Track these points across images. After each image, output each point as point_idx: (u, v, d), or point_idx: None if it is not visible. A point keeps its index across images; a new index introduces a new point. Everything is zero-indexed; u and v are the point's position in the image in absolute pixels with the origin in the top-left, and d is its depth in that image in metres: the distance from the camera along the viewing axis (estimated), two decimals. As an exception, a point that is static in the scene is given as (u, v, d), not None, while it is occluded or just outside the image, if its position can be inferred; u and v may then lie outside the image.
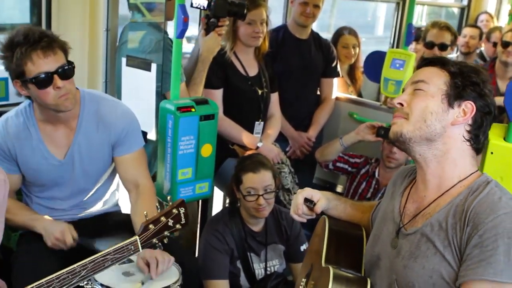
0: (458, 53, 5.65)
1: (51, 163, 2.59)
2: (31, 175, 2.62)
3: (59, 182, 2.65)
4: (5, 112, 2.66)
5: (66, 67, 2.39)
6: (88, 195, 2.74)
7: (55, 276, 1.84)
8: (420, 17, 7.63)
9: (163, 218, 2.05)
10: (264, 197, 2.88)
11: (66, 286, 1.86)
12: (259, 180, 2.87)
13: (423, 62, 1.90)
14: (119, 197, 2.95)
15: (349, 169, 3.79)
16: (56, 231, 2.50)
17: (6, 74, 3.12)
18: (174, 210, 2.07)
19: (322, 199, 2.15)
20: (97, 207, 2.80)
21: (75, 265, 1.88)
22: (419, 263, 1.74)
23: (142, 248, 2.01)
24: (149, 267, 2.35)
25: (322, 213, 2.20)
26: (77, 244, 2.53)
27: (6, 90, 3.09)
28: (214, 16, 3.01)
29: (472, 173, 1.81)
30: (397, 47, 5.17)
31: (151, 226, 2.03)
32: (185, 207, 2.10)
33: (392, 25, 5.42)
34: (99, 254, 1.93)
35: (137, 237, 2.00)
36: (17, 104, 2.72)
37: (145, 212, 2.07)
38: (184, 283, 2.43)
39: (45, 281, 1.83)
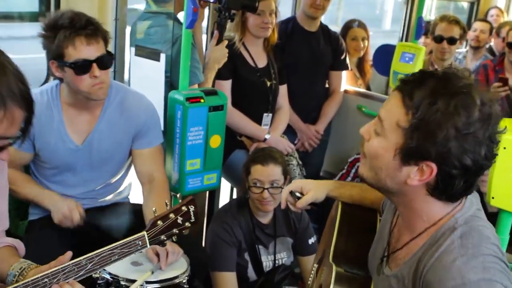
0: (468, 47, 5.62)
1: (68, 147, 2.58)
2: (46, 156, 2.60)
3: (73, 168, 2.63)
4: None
5: (105, 57, 2.40)
6: (101, 186, 2.73)
7: (61, 268, 1.80)
8: (429, 11, 7.58)
9: (172, 215, 2.01)
10: (269, 191, 2.86)
11: (72, 278, 1.82)
12: (266, 173, 2.86)
13: (397, 84, 1.54)
14: (130, 186, 2.95)
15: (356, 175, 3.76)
16: (64, 208, 2.51)
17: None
18: (184, 208, 2.03)
19: (311, 192, 2.07)
20: (108, 198, 2.79)
21: (81, 258, 1.84)
22: None
23: (149, 244, 1.97)
24: (159, 257, 2.36)
25: (319, 206, 2.14)
26: (85, 229, 2.53)
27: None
28: (226, 9, 2.95)
29: (442, 218, 1.56)
30: (406, 40, 5.13)
31: (159, 222, 1.99)
32: (195, 205, 2.06)
33: (402, 19, 5.38)
34: (106, 248, 1.89)
35: (145, 232, 1.96)
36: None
37: (154, 209, 2.04)
38: (192, 274, 2.43)
39: (50, 272, 1.78)
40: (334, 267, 1.85)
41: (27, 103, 1.63)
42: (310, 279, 2.15)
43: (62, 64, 2.37)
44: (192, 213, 2.05)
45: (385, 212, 1.90)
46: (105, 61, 2.41)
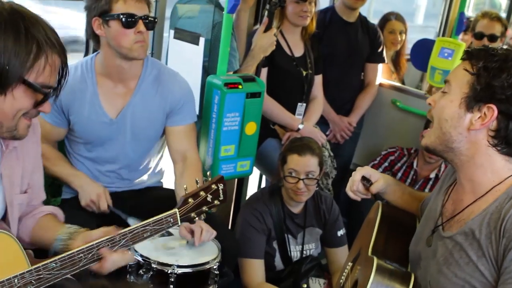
0: (507, 45, 5.52)
1: (102, 120, 2.59)
2: (79, 130, 2.61)
3: (106, 142, 2.63)
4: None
5: (151, 18, 2.47)
6: (132, 164, 2.73)
7: (96, 243, 1.84)
8: (467, 7, 7.45)
9: (202, 193, 2.03)
10: (305, 182, 2.84)
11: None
12: (302, 164, 2.84)
13: (463, 56, 1.76)
14: (163, 174, 2.95)
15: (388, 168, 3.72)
16: (93, 193, 2.53)
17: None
18: (213, 186, 2.06)
19: (380, 181, 2.11)
20: (141, 180, 2.79)
21: (115, 234, 1.88)
22: (451, 271, 1.70)
23: (181, 222, 2.00)
24: (193, 234, 2.39)
25: (377, 197, 2.16)
26: (111, 213, 2.54)
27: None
28: None
29: (509, 176, 1.69)
30: (443, 36, 5.05)
31: (190, 200, 2.01)
32: (224, 184, 2.08)
33: (440, 14, 5.30)
34: (140, 224, 1.92)
35: (176, 210, 1.99)
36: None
37: (185, 186, 2.07)
38: (222, 260, 2.42)
39: (86, 247, 1.82)
40: (375, 259, 1.84)
41: (63, 49, 1.69)
42: (343, 277, 2.14)
43: (108, 18, 2.41)
44: (221, 191, 2.08)
45: (433, 199, 1.97)
46: (150, 21, 2.47)
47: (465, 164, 1.74)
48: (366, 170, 2.14)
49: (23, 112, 1.70)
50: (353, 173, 2.16)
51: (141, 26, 2.42)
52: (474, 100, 1.66)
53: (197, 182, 2.06)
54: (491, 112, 1.64)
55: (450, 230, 1.77)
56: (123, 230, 1.90)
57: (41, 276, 1.74)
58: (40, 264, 1.75)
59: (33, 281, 1.73)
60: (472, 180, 1.74)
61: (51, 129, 2.62)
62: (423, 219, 1.98)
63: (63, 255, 1.79)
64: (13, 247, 1.75)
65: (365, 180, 2.11)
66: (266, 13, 3.02)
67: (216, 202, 2.06)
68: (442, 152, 1.77)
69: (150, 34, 2.57)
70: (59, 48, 1.67)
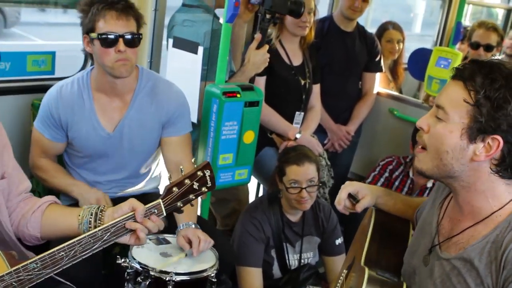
0: (503, 55, 5.54)
1: (99, 134, 2.61)
2: (78, 145, 2.64)
3: (105, 155, 2.66)
4: (51, 86, 2.69)
5: (132, 35, 2.45)
6: (131, 174, 2.76)
7: (77, 240, 1.80)
8: (464, 17, 7.49)
9: (187, 181, 1.98)
10: (307, 190, 2.86)
11: (89, 250, 1.82)
12: (302, 173, 2.85)
13: (453, 73, 1.65)
14: (160, 179, 2.96)
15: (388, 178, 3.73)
16: (92, 199, 2.55)
17: (52, 48, 3.16)
18: (199, 173, 1.99)
19: (367, 197, 2.07)
20: (137, 187, 2.82)
21: (96, 229, 1.83)
22: None
23: (166, 212, 1.95)
24: (191, 244, 2.39)
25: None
26: None
27: (53, 64, 3.11)
28: (272, 12, 2.91)
29: (510, 201, 1.64)
30: (441, 45, 5.08)
31: (174, 189, 1.96)
32: (211, 170, 2.02)
33: (437, 23, 5.32)
34: (121, 217, 1.88)
35: (160, 200, 1.94)
36: (62, 78, 2.76)
37: (168, 175, 2.06)
38: (220, 268, 2.43)
39: (66, 245, 1.78)
40: (366, 270, 1.84)
41: None
42: (338, 285, 2.14)
43: (92, 37, 2.43)
44: (208, 177, 2.02)
45: (427, 209, 1.92)
46: (132, 39, 2.45)
47: (465, 189, 1.68)
48: (353, 187, 2.10)
49: None
50: (340, 189, 2.13)
51: (120, 45, 2.41)
52: (477, 132, 1.57)
53: (181, 171, 2.01)
54: (496, 143, 1.57)
55: (447, 251, 1.72)
56: (104, 226, 1.86)
57: (21, 278, 1.71)
58: (19, 266, 1.72)
59: (13, 283, 1.71)
60: (471, 204, 1.68)
61: (50, 144, 2.66)
62: (418, 229, 1.95)
63: (43, 254, 1.76)
64: None
65: (352, 197, 2.09)
66: (259, 29, 3.00)
67: (203, 189, 2.01)
68: (441, 178, 1.71)
69: (147, 44, 2.58)
70: None
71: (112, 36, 2.40)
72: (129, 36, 2.43)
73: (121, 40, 2.41)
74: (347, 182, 2.17)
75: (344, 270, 2.16)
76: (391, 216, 2.13)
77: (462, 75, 1.60)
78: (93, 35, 2.42)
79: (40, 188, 2.83)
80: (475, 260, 1.61)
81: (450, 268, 1.68)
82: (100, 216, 1.93)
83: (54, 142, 2.65)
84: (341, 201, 2.10)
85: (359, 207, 2.07)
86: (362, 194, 2.09)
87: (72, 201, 2.64)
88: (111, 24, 2.40)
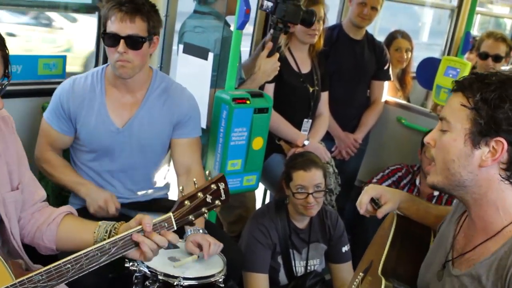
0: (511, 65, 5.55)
1: (108, 129, 2.62)
2: (85, 138, 2.64)
3: (112, 151, 2.65)
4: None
5: (136, 38, 2.46)
6: (140, 177, 2.75)
7: (84, 253, 1.76)
8: (472, 27, 7.50)
9: (200, 194, 1.93)
10: (314, 196, 2.86)
11: (95, 264, 1.78)
12: (309, 178, 2.86)
13: (454, 86, 1.68)
14: (169, 187, 2.97)
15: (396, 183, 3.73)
16: (100, 199, 2.56)
17: (63, 53, 3.19)
18: (213, 186, 1.95)
19: (389, 203, 2.05)
20: (146, 192, 2.81)
21: (104, 242, 1.79)
22: None
23: (176, 226, 1.90)
24: (200, 249, 2.39)
25: None
26: (121, 216, 2.55)
27: (63, 68, 3.14)
28: (284, 21, 2.92)
29: None
30: (449, 54, 5.09)
31: (186, 202, 1.92)
32: (225, 182, 1.98)
33: (445, 32, 5.34)
34: (131, 230, 1.83)
35: (171, 214, 1.90)
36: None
37: (180, 188, 1.98)
38: (228, 273, 2.43)
39: (73, 258, 1.75)
40: (383, 281, 1.84)
41: None
42: (353, 287, 2.14)
43: (103, 35, 2.50)
44: (222, 191, 1.97)
45: (446, 223, 1.91)
46: (134, 41, 2.46)
47: (477, 202, 1.67)
48: (375, 191, 2.08)
49: None
50: (362, 192, 2.11)
51: (121, 46, 2.44)
52: (479, 135, 1.59)
53: (195, 184, 1.98)
54: (500, 146, 1.57)
55: (459, 268, 1.72)
56: (112, 239, 1.82)
57: None
58: (24, 277, 1.69)
59: None
60: (483, 219, 1.68)
61: (58, 137, 2.66)
62: (435, 242, 1.94)
63: (48, 266, 1.72)
64: None
65: (374, 202, 2.06)
66: (270, 37, 3.02)
67: (217, 202, 1.96)
68: (452, 190, 1.71)
69: (158, 49, 2.60)
70: None
71: (113, 37, 2.45)
72: (130, 39, 2.45)
73: (122, 41, 2.44)
74: (370, 185, 2.14)
75: (360, 273, 2.14)
76: (413, 223, 2.10)
77: (461, 86, 1.64)
78: (103, 32, 2.49)
79: (49, 189, 2.81)
80: (483, 278, 1.60)
81: (459, 285, 1.67)
82: (113, 233, 1.89)
83: (61, 134, 2.65)
84: (363, 205, 2.08)
85: (381, 213, 2.06)
86: (385, 199, 2.07)
87: (81, 205, 2.64)
88: (116, 25, 2.44)
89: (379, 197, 2.07)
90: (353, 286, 2.15)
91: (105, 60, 3.01)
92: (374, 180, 3.66)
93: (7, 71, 1.67)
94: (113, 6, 2.44)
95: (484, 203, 1.66)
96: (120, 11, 2.43)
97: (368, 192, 2.09)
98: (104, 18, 2.49)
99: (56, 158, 2.68)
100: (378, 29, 9.59)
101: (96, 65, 3.23)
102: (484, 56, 4.25)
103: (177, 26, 3.38)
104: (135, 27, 2.46)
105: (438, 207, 2.18)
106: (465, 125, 1.61)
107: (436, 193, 3.51)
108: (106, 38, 2.47)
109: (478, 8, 5.04)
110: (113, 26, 2.45)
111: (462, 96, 1.62)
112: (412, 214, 2.10)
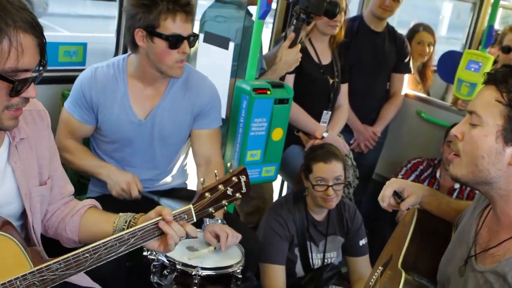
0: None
1: (131, 120, 2.61)
2: (107, 129, 2.63)
3: (133, 143, 2.65)
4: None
5: (195, 37, 2.50)
6: (160, 167, 2.75)
7: (102, 243, 1.75)
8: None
9: (221, 187, 1.92)
10: (334, 188, 2.84)
11: (114, 254, 1.77)
12: (329, 171, 2.84)
13: (485, 79, 1.64)
14: (188, 175, 2.96)
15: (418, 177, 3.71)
16: (123, 182, 2.54)
17: (84, 39, 3.18)
18: (234, 178, 1.93)
19: (412, 196, 2.04)
20: (165, 181, 2.82)
21: (123, 233, 1.78)
22: None
23: (196, 217, 1.88)
24: (218, 239, 2.38)
25: None
26: (143, 199, 2.56)
27: (84, 55, 3.13)
28: (307, 12, 2.89)
29: None
30: (470, 48, 5.03)
31: (207, 194, 1.90)
32: (247, 175, 1.96)
33: (467, 26, 5.27)
34: (150, 221, 1.82)
35: (191, 205, 1.88)
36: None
37: (202, 179, 1.97)
38: (246, 264, 2.42)
39: (91, 247, 1.74)
40: (403, 274, 1.82)
41: (32, 27, 1.54)
42: (372, 280, 2.13)
43: (154, 35, 2.41)
44: (243, 183, 1.96)
45: (467, 217, 1.88)
46: (194, 40, 2.49)
47: (503, 198, 1.64)
48: (398, 184, 2.07)
49: (2, 107, 1.58)
50: (385, 186, 2.08)
51: (186, 47, 2.45)
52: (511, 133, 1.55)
53: (216, 176, 1.97)
54: None
55: (483, 263, 1.68)
56: (131, 229, 1.80)
57: (45, 277, 1.68)
58: (43, 266, 1.68)
59: (36, 282, 1.67)
60: (509, 215, 1.64)
61: (79, 126, 2.64)
62: (456, 236, 1.92)
63: (67, 255, 1.72)
64: (13, 249, 1.67)
65: (397, 195, 2.05)
66: (292, 27, 2.99)
67: (237, 195, 1.94)
68: (476, 185, 1.67)
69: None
70: (27, 25, 1.51)
71: (180, 39, 2.42)
72: (192, 39, 2.47)
73: (186, 42, 2.45)
74: (392, 179, 2.12)
75: (380, 267, 2.13)
76: (434, 218, 2.08)
77: (495, 79, 1.59)
78: (158, 33, 2.40)
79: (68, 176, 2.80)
80: (509, 276, 1.57)
81: (483, 281, 1.64)
82: (132, 224, 1.89)
83: (82, 124, 2.63)
84: (386, 198, 2.06)
85: (404, 206, 2.03)
86: (408, 192, 2.05)
87: (101, 192, 2.64)
88: (180, 26, 2.41)
89: (401, 190, 2.05)
90: (372, 279, 2.14)
91: (125, 50, 3.00)
92: (399, 176, 3.63)
93: (43, 60, 1.62)
94: (175, 6, 2.38)
95: (510, 199, 1.63)
96: (184, 12, 2.41)
97: (391, 186, 2.07)
98: (157, 18, 2.39)
99: (75, 144, 2.66)
100: (397, 22, 9.53)
101: (116, 54, 3.22)
102: (506, 49, 4.17)
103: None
104: (191, 26, 2.48)
105: (459, 202, 2.15)
106: (498, 121, 1.56)
107: (457, 186, 3.48)
108: (170, 41, 2.41)
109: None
110: (177, 28, 2.40)
111: (495, 90, 1.57)
112: (434, 209, 2.08)
